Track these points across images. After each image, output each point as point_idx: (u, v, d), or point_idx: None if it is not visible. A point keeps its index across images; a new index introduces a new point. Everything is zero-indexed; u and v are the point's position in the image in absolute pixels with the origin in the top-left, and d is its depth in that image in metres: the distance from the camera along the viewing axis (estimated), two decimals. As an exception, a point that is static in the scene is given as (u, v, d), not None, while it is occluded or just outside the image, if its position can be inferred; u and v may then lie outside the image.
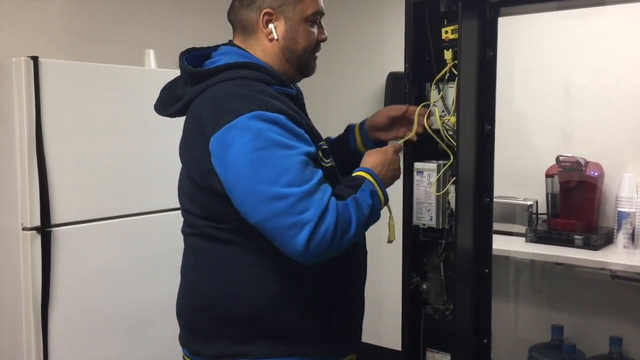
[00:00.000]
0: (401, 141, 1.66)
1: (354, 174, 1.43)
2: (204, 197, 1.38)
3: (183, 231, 1.51)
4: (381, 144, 1.68)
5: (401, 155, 1.64)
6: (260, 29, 1.44)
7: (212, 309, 1.41)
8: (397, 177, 1.54)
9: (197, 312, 1.44)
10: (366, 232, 1.47)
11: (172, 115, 1.49)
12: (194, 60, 1.46)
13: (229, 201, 1.30)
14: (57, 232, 2.27)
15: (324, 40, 1.51)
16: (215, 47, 1.51)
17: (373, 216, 1.38)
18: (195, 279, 1.46)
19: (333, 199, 1.28)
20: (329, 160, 1.41)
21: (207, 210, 1.39)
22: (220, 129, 1.27)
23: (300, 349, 1.40)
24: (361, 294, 1.56)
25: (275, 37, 1.43)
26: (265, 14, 1.42)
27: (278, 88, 1.40)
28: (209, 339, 1.42)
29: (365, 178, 1.40)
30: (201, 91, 1.37)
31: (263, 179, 1.23)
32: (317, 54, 1.52)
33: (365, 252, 1.58)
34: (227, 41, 1.52)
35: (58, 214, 2.27)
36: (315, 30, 1.48)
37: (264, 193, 1.23)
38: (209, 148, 1.29)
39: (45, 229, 2.24)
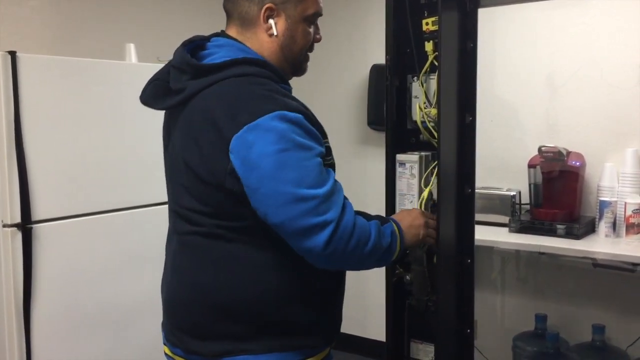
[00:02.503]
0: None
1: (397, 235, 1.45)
2: (214, 195, 1.35)
3: (180, 229, 1.46)
4: None
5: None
6: (260, 23, 1.42)
7: (214, 306, 1.39)
8: (419, 238, 1.54)
9: (197, 310, 1.42)
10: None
11: (167, 108, 1.46)
12: (189, 51, 1.42)
13: (242, 201, 1.30)
14: (38, 228, 2.25)
15: (319, 41, 1.51)
16: (208, 38, 1.47)
17: (386, 255, 1.41)
18: (195, 277, 1.43)
19: (348, 200, 1.33)
20: (329, 158, 1.41)
21: (216, 208, 1.36)
22: (241, 128, 1.26)
23: (299, 342, 1.41)
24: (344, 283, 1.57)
25: (275, 33, 1.42)
26: (267, 8, 1.40)
27: (281, 85, 1.39)
28: (208, 337, 1.40)
29: (390, 220, 1.46)
30: (205, 86, 1.34)
31: (288, 180, 1.25)
32: (309, 55, 1.51)
33: None
34: (219, 31, 1.48)
35: (39, 211, 2.25)
36: (312, 30, 1.48)
37: (289, 194, 1.25)
38: (229, 147, 1.27)
39: (26, 225, 2.22)
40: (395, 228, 1.45)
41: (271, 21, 1.41)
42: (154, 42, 2.79)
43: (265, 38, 1.43)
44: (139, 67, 2.59)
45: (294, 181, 1.25)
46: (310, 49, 1.50)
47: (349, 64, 3.46)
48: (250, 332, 1.38)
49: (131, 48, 2.67)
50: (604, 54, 2.70)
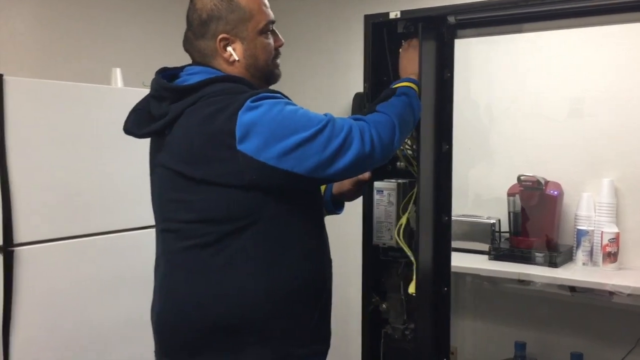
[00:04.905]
0: None
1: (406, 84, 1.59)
2: (220, 197, 1.38)
3: (170, 247, 1.49)
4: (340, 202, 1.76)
5: None
6: (219, 54, 1.47)
7: (204, 319, 1.41)
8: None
9: (186, 326, 1.44)
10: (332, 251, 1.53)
11: (150, 134, 1.49)
12: (164, 80, 1.48)
13: (249, 194, 1.36)
14: (20, 251, 2.24)
15: (281, 45, 1.55)
16: (182, 68, 1.52)
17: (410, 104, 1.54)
18: (184, 295, 1.45)
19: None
20: None
21: (210, 212, 1.40)
22: (235, 120, 1.32)
23: (289, 351, 1.43)
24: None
25: (237, 59, 1.47)
26: (221, 39, 1.45)
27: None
28: (197, 353, 1.42)
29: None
30: (187, 106, 1.39)
31: (298, 128, 1.33)
32: (278, 61, 1.56)
33: (330, 260, 1.60)
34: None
35: (21, 233, 2.24)
36: (270, 39, 1.52)
37: (311, 138, 1.33)
38: (236, 140, 1.32)
39: (7, 248, 2.20)
40: (403, 84, 1.56)
41: (229, 49, 1.46)
42: (140, 67, 2.82)
43: (229, 66, 1.47)
44: (125, 91, 2.61)
45: (304, 126, 1.33)
46: (276, 56, 1.55)
47: (333, 92, 3.50)
48: (240, 343, 1.40)
49: (117, 72, 2.70)
50: (582, 86, 2.76)
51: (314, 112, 1.38)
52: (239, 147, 1.32)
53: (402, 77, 1.66)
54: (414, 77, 1.63)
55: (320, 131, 1.33)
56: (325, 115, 1.38)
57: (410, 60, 1.66)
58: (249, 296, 1.40)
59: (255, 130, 1.32)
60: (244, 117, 1.32)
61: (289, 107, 1.37)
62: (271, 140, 1.32)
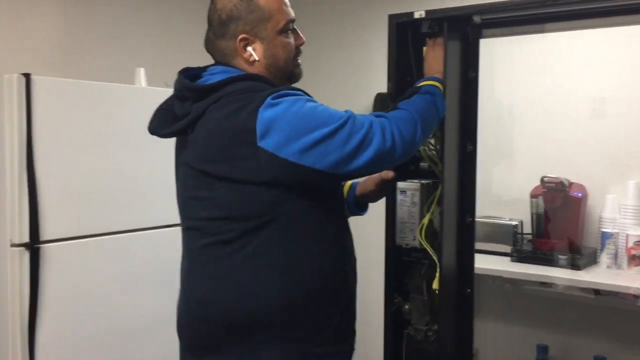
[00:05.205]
0: None
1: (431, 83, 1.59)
2: (243, 194, 1.39)
3: (192, 245, 1.51)
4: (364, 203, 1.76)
5: None
6: (240, 54, 1.48)
7: (224, 316, 1.42)
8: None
9: (206, 323, 1.46)
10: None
11: (174, 134, 1.51)
12: (187, 79, 1.49)
13: (270, 191, 1.37)
14: (46, 248, 2.28)
15: (302, 44, 1.55)
16: (205, 68, 1.54)
17: (433, 102, 1.54)
18: (205, 291, 1.47)
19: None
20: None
21: (232, 208, 1.41)
22: (256, 117, 1.33)
23: (309, 350, 1.44)
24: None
25: (256, 59, 1.47)
26: (241, 39, 1.46)
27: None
28: (216, 350, 1.44)
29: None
30: (209, 105, 1.40)
31: (319, 125, 1.34)
32: (299, 59, 1.55)
33: (355, 258, 1.60)
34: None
35: (47, 230, 2.28)
36: (291, 39, 1.52)
37: (332, 134, 1.33)
38: (257, 137, 1.33)
39: (34, 245, 2.24)
40: (427, 82, 1.57)
41: (249, 49, 1.47)
42: (163, 67, 2.84)
43: (249, 66, 1.48)
44: (149, 91, 2.64)
45: (324, 122, 1.34)
46: (297, 55, 1.54)
47: (354, 91, 3.50)
48: (262, 341, 1.40)
49: (141, 72, 2.73)
50: (608, 87, 2.73)
51: (334, 109, 1.39)
52: (260, 143, 1.33)
53: (427, 75, 1.65)
54: (439, 75, 1.62)
55: (341, 127, 1.34)
56: (346, 111, 1.39)
57: (436, 59, 1.66)
58: (268, 293, 1.40)
59: (275, 126, 1.32)
60: (265, 114, 1.33)
61: (310, 104, 1.37)
62: (292, 137, 1.32)
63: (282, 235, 1.40)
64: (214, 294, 1.44)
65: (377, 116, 1.42)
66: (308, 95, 1.43)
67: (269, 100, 1.34)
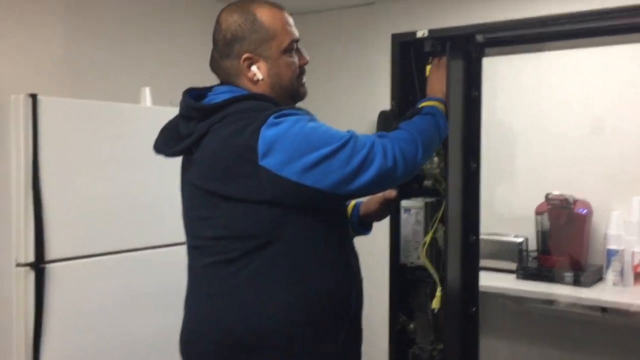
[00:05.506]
0: None
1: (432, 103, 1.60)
2: (243, 213, 1.39)
3: (196, 264, 1.51)
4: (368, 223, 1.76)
5: None
6: (244, 74, 1.48)
7: (226, 336, 1.42)
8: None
9: (209, 342, 1.45)
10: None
11: (179, 153, 1.52)
12: (192, 99, 1.50)
13: (272, 210, 1.37)
14: (51, 268, 2.28)
15: (306, 63, 1.56)
16: (210, 88, 1.55)
17: (434, 123, 1.55)
18: (207, 309, 1.46)
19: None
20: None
21: (235, 228, 1.41)
22: (258, 136, 1.33)
23: None
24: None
25: (260, 78, 1.48)
26: (245, 59, 1.47)
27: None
28: None
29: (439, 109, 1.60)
30: (213, 124, 1.41)
31: (320, 144, 1.34)
32: (304, 78, 1.56)
33: (361, 279, 1.59)
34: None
35: (52, 250, 2.28)
36: (295, 58, 1.52)
37: (334, 153, 1.34)
38: (258, 156, 1.33)
39: (39, 265, 2.24)
40: (429, 103, 1.58)
41: (253, 68, 1.47)
42: (168, 87, 2.86)
43: (253, 85, 1.49)
44: (154, 110, 2.66)
45: (325, 142, 1.34)
46: (301, 74, 1.55)
47: (358, 110, 3.52)
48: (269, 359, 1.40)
49: (146, 92, 2.75)
50: (609, 104, 2.73)
51: (336, 129, 1.39)
52: (262, 162, 1.33)
53: (429, 95, 1.66)
54: (442, 96, 1.63)
55: (342, 147, 1.34)
56: (348, 132, 1.39)
57: (439, 79, 1.67)
58: (271, 313, 1.40)
59: (277, 146, 1.33)
60: (267, 133, 1.33)
61: (312, 124, 1.38)
62: (294, 156, 1.33)
63: (284, 255, 1.40)
64: (218, 313, 1.44)
65: (378, 136, 1.42)
66: (311, 115, 1.44)
67: (271, 119, 1.35)
